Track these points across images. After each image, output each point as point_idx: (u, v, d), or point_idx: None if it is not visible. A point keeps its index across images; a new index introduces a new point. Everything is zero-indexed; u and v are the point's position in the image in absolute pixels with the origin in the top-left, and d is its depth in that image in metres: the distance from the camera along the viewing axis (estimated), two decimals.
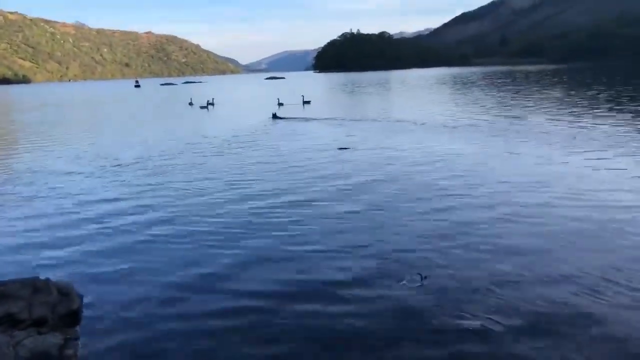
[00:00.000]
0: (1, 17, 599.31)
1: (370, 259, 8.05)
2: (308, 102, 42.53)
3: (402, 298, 6.66)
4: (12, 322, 5.63)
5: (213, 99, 46.62)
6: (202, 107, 44.88)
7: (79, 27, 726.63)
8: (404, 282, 7.10)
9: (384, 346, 5.65)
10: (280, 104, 40.44)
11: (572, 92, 42.14)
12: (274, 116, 32.19)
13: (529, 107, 31.62)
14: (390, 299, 6.67)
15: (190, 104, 49.53)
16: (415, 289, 6.89)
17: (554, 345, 5.49)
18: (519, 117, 26.08)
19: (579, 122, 22.98)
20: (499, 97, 41.44)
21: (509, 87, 54.35)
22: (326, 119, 30.86)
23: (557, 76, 76.65)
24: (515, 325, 5.88)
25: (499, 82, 66.67)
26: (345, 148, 18.98)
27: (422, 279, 7.10)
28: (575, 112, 27.25)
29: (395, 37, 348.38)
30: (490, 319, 6.03)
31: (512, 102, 35.99)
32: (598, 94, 38.76)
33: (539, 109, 29.75)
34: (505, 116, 26.95)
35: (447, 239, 8.73)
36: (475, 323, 5.95)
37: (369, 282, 7.21)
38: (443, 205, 10.82)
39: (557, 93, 42.35)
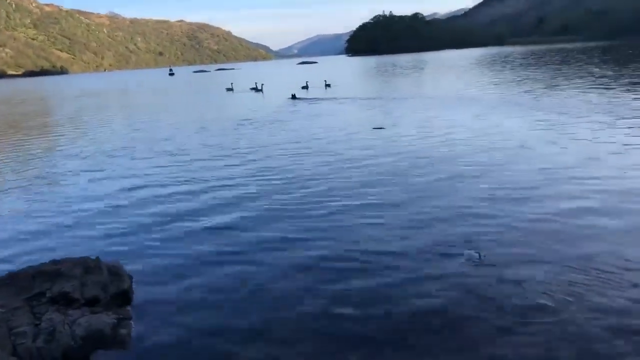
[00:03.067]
0: (38, 9, 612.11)
1: (424, 237, 7.82)
2: (329, 85, 43.71)
3: (463, 275, 6.42)
4: (66, 301, 5.56)
5: (262, 84, 46.48)
6: (256, 90, 45.86)
7: (113, 17, 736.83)
8: (463, 260, 6.85)
9: (451, 326, 5.41)
10: (305, 87, 42.68)
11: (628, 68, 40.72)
12: (293, 97, 34.06)
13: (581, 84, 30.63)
14: (451, 276, 6.44)
15: (230, 89, 49.46)
16: (474, 267, 6.64)
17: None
18: (570, 96, 25.24)
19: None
20: (543, 75, 40.29)
21: (554, 67, 52.72)
22: (346, 98, 32.24)
23: (606, 53, 74.16)
24: (587, 306, 5.56)
25: (542, 61, 64.87)
26: (381, 127, 18.71)
27: (480, 257, 6.85)
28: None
29: (428, 18, 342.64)
30: (553, 296, 5.73)
31: (560, 80, 34.91)
32: None
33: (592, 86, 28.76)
34: (550, 94, 26.11)
35: (503, 216, 8.42)
36: (535, 299, 5.67)
37: (427, 260, 6.99)
38: (495, 182, 10.48)
39: (607, 70, 40.93)
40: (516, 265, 6.58)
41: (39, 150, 18.90)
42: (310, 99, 33.84)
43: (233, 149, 16.57)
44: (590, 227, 7.72)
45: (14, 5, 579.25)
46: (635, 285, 5.89)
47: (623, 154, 12.18)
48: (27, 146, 20.18)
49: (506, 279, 6.24)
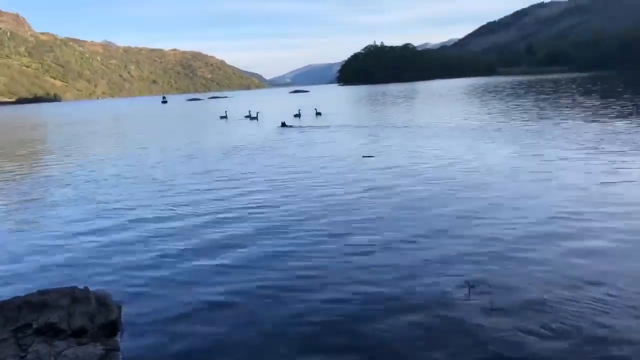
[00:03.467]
0: (33, 38, 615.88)
1: (412, 266, 7.77)
2: (319, 114, 44.74)
3: (450, 307, 6.37)
4: (52, 331, 5.49)
5: (258, 112, 46.71)
6: (250, 118, 46.21)
7: (107, 46, 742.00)
8: (449, 290, 6.80)
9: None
10: (297, 115, 43.29)
11: (611, 100, 41.27)
12: (283, 125, 34.68)
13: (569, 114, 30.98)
14: (437, 308, 6.36)
15: (224, 117, 49.70)
16: (463, 298, 6.59)
17: None
18: (559, 125, 25.51)
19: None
20: (534, 105, 40.77)
21: (544, 96, 53.37)
22: (336, 126, 33.15)
23: (590, 84, 75.21)
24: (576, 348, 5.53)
25: (531, 91, 65.67)
26: (370, 156, 18.80)
27: (469, 288, 6.79)
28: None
29: (419, 48, 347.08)
30: (544, 335, 5.71)
31: (549, 110, 35.31)
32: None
33: (579, 116, 29.09)
34: (542, 124, 26.38)
35: (489, 245, 8.42)
36: (529, 339, 5.64)
37: (414, 291, 6.91)
38: (484, 211, 10.50)
39: (593, 101, 41.44)
40: (507, 300, 6.56)
41: (28, 179, 18.81)
42: (301, 127, 34.15)
43: (221, 178, 16.44)
44: (591, 268, 7.43)
45: (9, 34, 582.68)
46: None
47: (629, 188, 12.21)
48: (17, 174, 20.08)
49: (496, 314, 6.21)
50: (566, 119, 27.27)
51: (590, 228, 9.11)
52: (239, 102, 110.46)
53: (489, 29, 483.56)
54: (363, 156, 18.88)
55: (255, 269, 8.12)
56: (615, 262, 7.50)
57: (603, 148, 17.23)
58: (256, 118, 45.19)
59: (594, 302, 6.26)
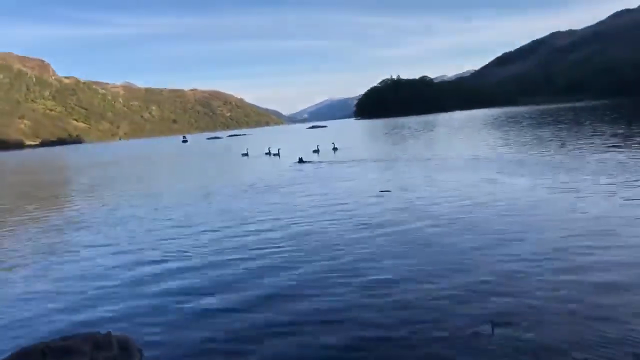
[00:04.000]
0: (57, 82, 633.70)
1: (430, 305, 7.65)
2: (336, 149, 44.92)
3: (472, 347, 6.25)
4: None
5: (279, 149, 47.27)
6: (272, 154, 46.59)
7: (128, 87, 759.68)
8: (473, 330, 6.67)
9: None
10: (316, 151, 43.70)
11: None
12: (300, 160, 35.09)
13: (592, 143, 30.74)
14: (459, 348, 6.25)
15: (245, 154, 50.17)
16: (486, 339, 6.45)
17: None
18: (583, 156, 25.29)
19: None
20: (554, 134, 40.54)
21: (563, 126, 53.05)
22: (353, 160, 33.16)
23: (611, 111, 74.71)
24: None
25: (551, 120, 65.38)
26: (387, 190, 18.77)
27: (492, 328, 6.65)
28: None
29: (436, 80, 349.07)
30: None
31: (569, 140, 35.07)
32: None
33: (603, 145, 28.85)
34: (563, 154, 26.18)
35: (512, 282, 8.30)
36: None
37: (433, 331, 6.78)
38: (508, 247, 10.37)
39: (616, 129, 41.11)
40: (532, 343, 6.43)
41: (50, 222, 19.04)
42: (318, 162, 34.46)
43: (236, 217, 16.37)
44: (619, 304, 7.24)
45: (34, 79, 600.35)
46: None
47: None
48: (38, 217, 20.36)
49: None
50: (587, 148, 27.02)
51: (617, 262, 8.93)
52: (259, 139, 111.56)
53: (506, 59, 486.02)
54: (380, 191, 18.86)
55: (268, 309, 8.06)
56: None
57: (627, 178, 17.00)
58: (278, 155, 45.54)
59: (625, 341, 6.09)
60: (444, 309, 7.49)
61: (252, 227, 14.49)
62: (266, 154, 47.99)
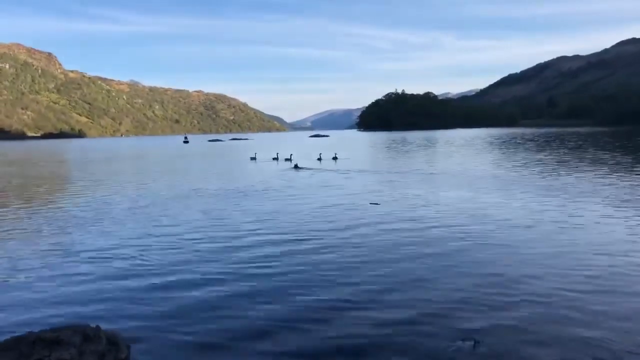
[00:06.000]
0: (63, 75, 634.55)
1: (413, 320, 7.75)
2: (336, 158, 45.78)
3: None
4: None
5: (291, 154, 47.44)
6: (285, 160, 46.11)
7: (133, 85, 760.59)
8: (454, 346, 6.81)
9: None
10: (319, 159, 45.23)
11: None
12: (296, 167, 37.01)
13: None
14: None
15: (253, 158, 50.76)
16: (468, 355, 6.58)
17: None
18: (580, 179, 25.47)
19: None
20: (554, 157, 40.73)
21: (564, 149, 53.27)
22: (349, 171, 33.95)
23: (611, 138, 75.06)
24: None
25: (551, 143, 65.67)
26: (376, 203, 18.94)
27: (474, 343, 6.80)
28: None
29: (440, 97, 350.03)
30: None
31: (562, 163, 35.27)
32: None
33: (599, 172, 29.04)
34: (561, 177, 26.34)
35: (494, 298, 8.45)
36: None
37: (415, 346, 6.88)
38: (492, 263, 10.52)
39: (614, 155, 41.34)
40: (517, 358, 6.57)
41: (48, 214, 19.18)
42: (315, 169, 35.30)
43: (217, 222, 16.45)
44: (606, 327, 7.40)
45: (40, 71, 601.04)
46: None
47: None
48: (35, 209, 20.48)
49: None
50: (584, 173, 27.20)
51: (609, 285, 9.11)
52: (259, 144, 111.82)
53: (511, 80, 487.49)
54: (370, 203, 19.05)
55: (254, 306, 8.22)
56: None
57: (621, 203, 17.17)
58: (290, 160, 45.01)
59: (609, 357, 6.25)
60: (425, 323, 7.61)
61: (230, 232, 14.64)
62: (274, 159, 48.47)
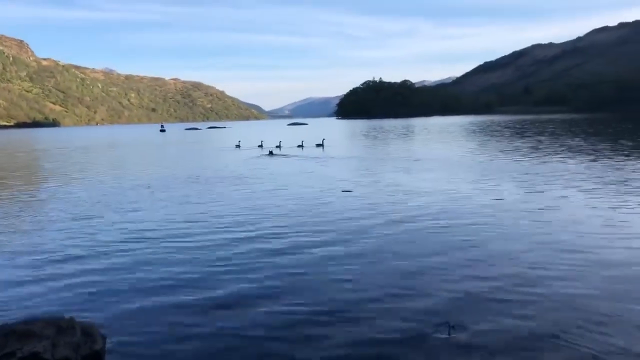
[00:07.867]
0: (35, 63, 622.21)
1: (388, 307, 7.78)
2: (322, 145, 46.83)
3: (429, 347, 6.44)
4: None
5: (280, 141, 47.93)
6: (275, 147, 45.90)
7: (108, 73, 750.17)
8: (430, 331, 6.86)
9: None
10: (300, 146, 46.55)
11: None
12: (270, 153, 38.16)
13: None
14: (415, 348, 6.43)
15: (238, 146, 51.13)
16: (443, 340, 6.64)
17: None
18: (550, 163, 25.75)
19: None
20: (530, 143, 41.13)
21: (543, 137, 53.81)
22: (329, 157, 34.41)
23: (585, 125, 76.09)
24: None
25: (526, 129, 66.34)
26: (349, 190, 18.98)
27: (449, 328, 6.85)
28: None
29: (417, 85, 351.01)
30: None
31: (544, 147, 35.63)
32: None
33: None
34: (537, 162, 26.62)
35: (469, 283, 8.53)
36: None
37: (389, 332, 6.91)
38: (467, 251, 10.60)
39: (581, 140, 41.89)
40: (490, 341, 6.64)
41: (19, 204, 18.84)
42: (290, 155, 36.08)
43: (195, 211, 16.47)
44: (579, 309, 7.55)
45: (11, 58, 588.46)
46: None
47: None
48: (6, 199, 20.12)
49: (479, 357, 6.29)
50: (552, 158, 27.52)
51: (583, 269, 9.18)
52: (240, 132, 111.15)
53: (487, 68, 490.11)
54: (342, 190, 19.05)
55: (230, 297, 8.21)
56: (610, 304, 7.61)
57: (599, 187, 17.41)
58: (279, 147, 44.79)
59: (578, 339, 6.34)
60: (400, 310, 7.64)
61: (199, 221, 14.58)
62: (259, 146, 48.97)
